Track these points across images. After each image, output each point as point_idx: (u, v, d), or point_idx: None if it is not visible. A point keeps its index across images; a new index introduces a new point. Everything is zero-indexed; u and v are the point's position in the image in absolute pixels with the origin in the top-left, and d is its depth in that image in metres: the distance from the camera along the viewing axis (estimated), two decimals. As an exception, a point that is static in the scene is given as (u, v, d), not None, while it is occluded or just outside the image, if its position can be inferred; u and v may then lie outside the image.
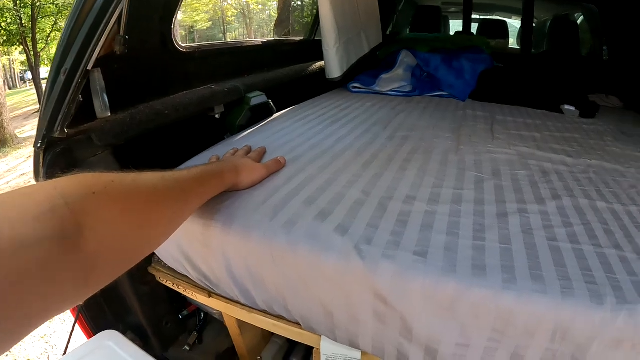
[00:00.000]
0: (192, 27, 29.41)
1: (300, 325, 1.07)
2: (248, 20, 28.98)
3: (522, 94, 2.70)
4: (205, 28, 29.82)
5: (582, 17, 4.54)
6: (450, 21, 5.43)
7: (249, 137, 1.58)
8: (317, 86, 2.58)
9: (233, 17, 30.50)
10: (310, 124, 1.77)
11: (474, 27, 4.80)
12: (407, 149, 1.54)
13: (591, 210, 1.21)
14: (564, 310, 0.83)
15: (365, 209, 1.06)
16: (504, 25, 4.70)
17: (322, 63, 2.66)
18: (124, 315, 1.50)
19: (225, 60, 2.03)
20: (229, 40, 28.81)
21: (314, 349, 1.13)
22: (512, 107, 2.56)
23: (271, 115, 1.93)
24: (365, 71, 2.89)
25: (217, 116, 1.77)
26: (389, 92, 2.62)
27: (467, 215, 1.10)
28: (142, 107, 1.41)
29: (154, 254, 1.31)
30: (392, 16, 4.57)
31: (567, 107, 2.57)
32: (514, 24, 5.15)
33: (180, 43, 1.66)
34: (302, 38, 3.13)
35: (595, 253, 1.00)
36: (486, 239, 0.99)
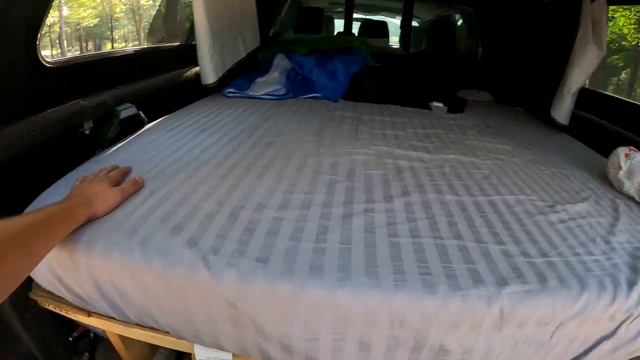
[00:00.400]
0: (78, 24, 27.89)
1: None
2: (137, 17, 27.84)
3: (393, 93, 2.84)
4: (92, 25, 28.41)
5: (461, 18, 4.84)
6: (336, 21, 5.50)
7: (117, 153, 1.52)
8: (194, 93, 2.53)
9: (122, 14, 29.22)
10: (179, 135, 1.73)
11: (356, 27, 4.92)
12: (269, 155, 1.57)
13: (438, 204, 1.32)
14: (397, 301, 0.91)
15: (218, 220, 1.09)
16: (384, 25, 4.87)
17: (198, 68, 2.61)
18: (13, 344, 1.41)
19: (96, 72, 1.91)
20: (116, 37, 27.75)
21: (191, 355, 1.17)
22: (382, 106, 2.68)
23: (142, 127, 1.87)
24: (242, 75, 2.88)
25: (86, 132, 1.67)
26: (263, 96, 2.61)
27: (313, 219, 1.15)
28: (6, 132, 1.32)
29: (31, 278, 1.24)
30: (275, 17, 4.58)
31: (435, 104, 2.74)
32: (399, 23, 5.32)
33: (45, 58, 1.56)
34: (178, 43, 3.05)
35: (434, 245, 1.09)
36: (327, 240, 1.05)
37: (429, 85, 3.02)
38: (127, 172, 1.31)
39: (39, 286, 1.23)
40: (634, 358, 1.21)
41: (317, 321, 0.93)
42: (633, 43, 14.87)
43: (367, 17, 5.39)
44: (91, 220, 1.05)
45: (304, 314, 0.93)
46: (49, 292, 1.21)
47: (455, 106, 2.80)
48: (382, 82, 2.92)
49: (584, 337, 1.05)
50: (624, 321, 1.06)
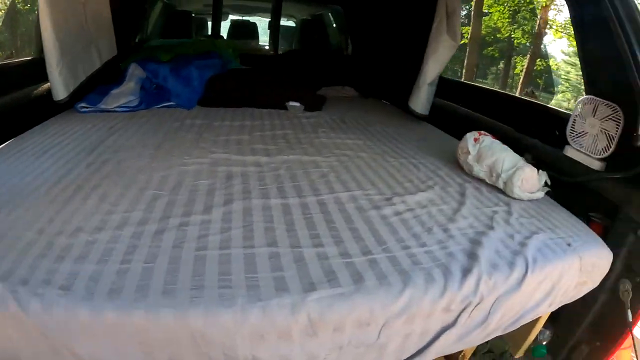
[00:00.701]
0: None
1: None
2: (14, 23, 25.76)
3: (248, 95, 2.83)
4: None
5: (332, 17, 4.96)
6: (210, 24, 5.38)
7: None
8: (46, 110, 2.39)
9: (-2, 19, 26.87)
10: (19, 161, 1.61)
11: (227, 30, 4.87)
12: (101, 174, 1.51)
13: (260, 210, 1.31)
14: (192, 317, 0.89)
15: (34, 249, 1.04)
16: (253, 26, 4.85)
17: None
18: None
19: None
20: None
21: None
22: (238, 110, 2.67)
23: None
24: (99, 87, 2.70)
25: None
26: (116, 109, 2.48)
27: (124, 239, 1.11)
28: None
29: None
30: (142, 23, 4.39)
31: (291, 103, 2.77)
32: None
33: None
34: (29, 58, 2.86)
35: (243, 255, 1.08)
36: (132, 260, 1.02)
37: (286, 85, 3.04)
38: None
39: None
40: (494, 339, 1.31)
41: (123, 344, 0.91)
42: (506, 35, 16.09)
43: (240, 18, 5.36)
44: None
45: (105, 336, 0.90)
46: None
47: (313, 104, 2.86)
48: (237, 86, 2.90)
49: (421, 332, 1.08)
50: (463, 310, 1.10)
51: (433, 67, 2.72)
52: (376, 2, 3.79)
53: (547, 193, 1.74)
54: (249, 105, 2.77)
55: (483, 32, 16.04)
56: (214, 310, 0.90)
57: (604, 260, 1.47)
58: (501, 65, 18.74)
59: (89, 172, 1.53)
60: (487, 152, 1.79)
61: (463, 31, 15.20)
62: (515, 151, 1.86)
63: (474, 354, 1.60)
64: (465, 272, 1.13)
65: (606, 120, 1.69)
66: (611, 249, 1.48)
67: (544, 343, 1.77)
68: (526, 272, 1.21)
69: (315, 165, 1.74)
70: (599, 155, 1.71)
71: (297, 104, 2.78)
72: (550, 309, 1.39)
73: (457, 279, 1.10)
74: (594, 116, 1.74)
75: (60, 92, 2.31)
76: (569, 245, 1.39)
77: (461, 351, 1.43)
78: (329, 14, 4.92)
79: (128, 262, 1.02)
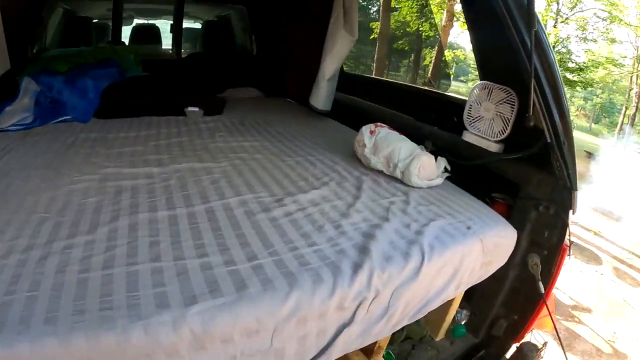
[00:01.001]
0: None
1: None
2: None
3: (146, 103, 2.77)
4: None
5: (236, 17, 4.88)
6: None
7: None
8: None
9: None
10: None
11: (128, 35, 4.72)
12: None
13: (147, 224, 1.29)
14: (74, 344, 0.87)
15: None
16: (155, 30, 4.72)
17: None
18: None
19: None
20: None
21: None
22: (135, 120, 2.60)
23: None
24: None
25: None
26: (9, 128, 2.31)
27: (9, 268, 1.05)
28: None
29: None
30: (40, 32, 4.08)
31: (190, 109, 2.76)
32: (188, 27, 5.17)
33: None
34: None
35: (125, 274, 1.05)
36: (17, 291, 0.97)
37: (185, 90, 3.02)
38: None
39: None
40: (411, 325, 1.40)
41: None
42: (414, 29, 16.69)
43: (143, 22, 5.19)
44: None
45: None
46: None
47: (212, 108, 2.86)
48: (133, 94, 2.81)
49: (317, 332, 1.10)
50: (359, 306, 1.13)
51: (331, 63, 2.78)
52: (278, 2, 3.83)
53: (448, 178, 1.84)
54: (147, 114, 2.70)
55: (393, 26, 16.55)
56: (95, 334, 0.88)
57: (508, 239, 1.59)
58: (412, 57, 19.54)
59: None
60: (383, 143, 1.84)
61: (373, 26, 15.73)
62: (415, 140, 1.93)
63: (391, 342, 1.66)
64: (356, 268, 1.15)
65: (501, 103, 1.79)
66: (516, 227, 1.61)
67: (463, 322, 1.89)
68: (423, 261, 1.26)
69: (208, 171, 1.75)
70: (496, 137, 1.82)
71: (196, 109, 2.77)
72: (459, 291, 1.48)
73: (347, 276, 1.12)
74: (489, 101, 1.84)
75: None
76: (468, 228, 1.46)
77: (374, 343, 1.46)
78: (235, 14, 4.84)
79: (12, 292, 0.97)
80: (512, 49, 1.50)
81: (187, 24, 5.20)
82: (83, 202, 1.42)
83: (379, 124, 1.97)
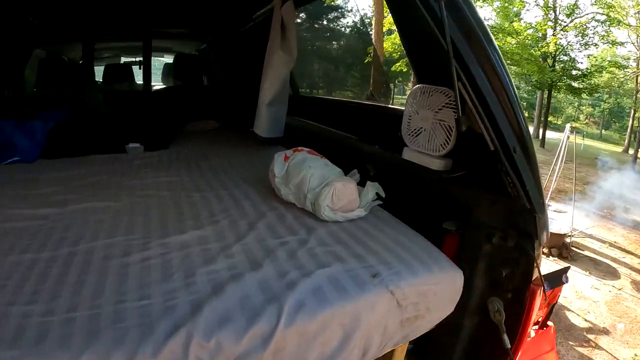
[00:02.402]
0: None
1: None
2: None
3: (88, 142, 2.82)
4: None
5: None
6: (97, 68, 5.19)
7: None
8: None
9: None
10: None
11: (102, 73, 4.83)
12: None
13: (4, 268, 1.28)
14: None
15: None
16: (127, 68, 4.80)
17: None
18: None
19: None
20: None
21: None
22: (77, 159, 2.63)
23: None
24: None
25: None
26: None
27: None
28: None
29: None
30: (15, 74, 4.14)
31: (131, 145, 2.80)
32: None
33: None
34: None
35: None
36: None
37: (129, 126, 3.07)
38: None
39: None
40: None
41: None
42: None
43: (114, 63, 5.29)
44: None
45: None
46: None
47: (155, 143, 2.89)
48: (77, 133, 2.88)
49: None
50: None
51: (269, 86, 2.67)
52: (236, 35, 3.89)
53: (387, 208, 1.60)
54: (91, 152, 2.75)
55: (390, 49, 16.42)
56: None
57: (447, 284, 1.28)
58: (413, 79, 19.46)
59: None
60: (294, 170, 1.66)
61: (368, 50, 15.65)
62: (357, 163, 1.76)
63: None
64: (173, 330, 0.98)
65: (441, 109, 1.47)
66: (465, 264, 1.32)
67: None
68: (277, 325, 1.04)
69: (103, 211, 1.72)
70: (438, 152, 1.50)
71: (137, 145, 2.81)
72: (370, 356, 1.19)
73: (157, 341, 0.96)
74: (427, 107, 1.52)
75: None
76: (374, 276, 1.19)
77: None
78: (208, 48, 4.97)
79: None
80: (432, 34, 1.22)
81: (169, 59, 5.33)
82: None
83: (299, 148, 1.81)
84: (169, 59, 5.31)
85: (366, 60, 15.63)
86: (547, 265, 4.79)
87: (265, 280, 1.18)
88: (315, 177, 1.61)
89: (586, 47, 18.10)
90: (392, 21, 15.51)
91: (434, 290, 1.25)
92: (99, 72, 4.87)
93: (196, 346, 0.97)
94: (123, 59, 5.50)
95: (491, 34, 1.24)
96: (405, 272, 1.23)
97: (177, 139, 3.21)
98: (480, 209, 1.33)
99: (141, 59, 4.38)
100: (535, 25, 18.03)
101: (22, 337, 0.97)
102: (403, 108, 1.73)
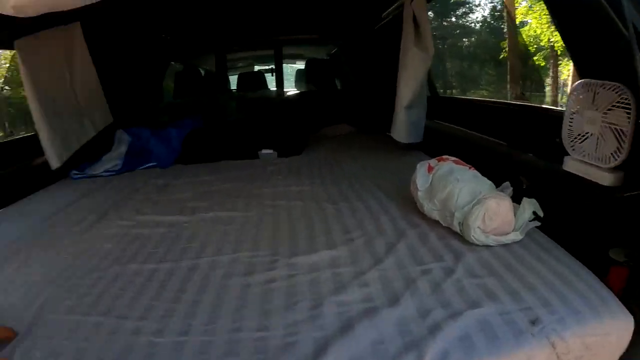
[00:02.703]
0: None
1: None
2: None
3: (221, 148, 2.84)
4: None
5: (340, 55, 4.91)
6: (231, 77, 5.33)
7: None
8: (47, 177, 2.55)
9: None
10: None
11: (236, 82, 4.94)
12: (35, 243, 1.58)
13: (124, 276, 1.27)
14: None
15: None
16: (260, 76, 4.88)
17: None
18: None
19: None
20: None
21: None
22: (211, 165, 2.67)
23: None
24: (98, 153, 2.88)
25: None
26: (102, 174, 2.63)
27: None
28: None
29: None
30: (154, 86, 4.51)
31: (264, 151, 2.75)
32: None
33: None
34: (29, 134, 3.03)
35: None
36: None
37: (262, 132, 3.01)
38: None
39: None
40: None
41: None
42: (545, 41, 15.06)
43: (246, 71, 5.40)
44: None
45: None
46: None
47: (288, 149, 2.80)
48: (211, 140, 2.93)
49: None
50: None
51: (406, 87, 2.44)
52: (366, 36, 3.73)
53: (543, 229, 1.33)
54: (224, 158, 2.77)
55: (526, 41, 15.08)
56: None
57: (616, 332, 0.99)
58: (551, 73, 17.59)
59: (29, 239, 1.62)
60: (439, 184, 1.42)
61: (502, 45, 14.60)
62: (508, 175, 1.50)
63: None
64: None
65: (611, 110, 1.15)
66: (638, 303, 1.02)
67: None
68: None
69: (229, 222, 1.63)
70: (608, 162, 1.16)
71: (270, 152, 2.75)
72: None
73: None
74: (595, 108, 1.20)
75: (54, 161, 2.50)
76: (533, 323, 0.93)
77: None
78: (340, 52, 4.86)
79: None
80: (605, 19, 1.03)
81: (301, 65, 5.34)
82: (99, 248, 1.48)
83: (444, 157, 1.56)
84: (300, 65, 5.29)
85: (501, 56, 14.53)
86: None
87: (404, 319, 0.96)
88: (464, 192, 1.35)
89: None
90: (525, 12, 14.53)
91: (602, 343, 0.96)
92: (232, 81, 5.00)
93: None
94: (257, 67, 5.58)
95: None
96: (570, 318, 0.95)
97: (311, 144, 3.12)
98: None
99: (273, 66, 4.41)
100: None
101: (128, 358, 0.91)
102: (561, 109, 1.45)
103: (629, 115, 1.06)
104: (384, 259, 1.24)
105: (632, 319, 0.98)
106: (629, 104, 1.05)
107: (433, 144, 2.51)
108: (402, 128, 2.54)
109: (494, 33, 16.43)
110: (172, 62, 4.66)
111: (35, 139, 2.53)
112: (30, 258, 1.42)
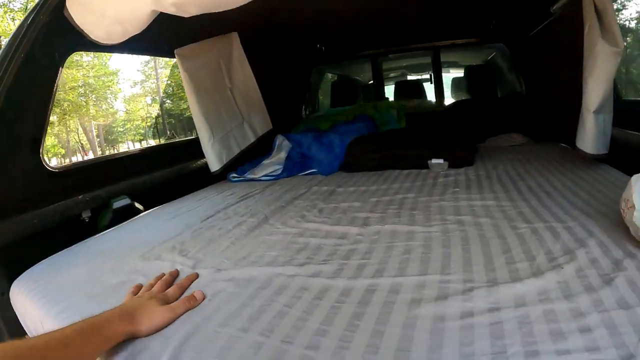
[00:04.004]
0: (180, 115, 30.64)
1: None
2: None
3: (385, 157, 2.67)
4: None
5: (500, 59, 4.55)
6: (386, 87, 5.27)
7: (107, 234, 1.85)
8: (208, 179, 2.71)
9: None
10: (155, 221, 1.99)
11: (392, 91, 4.84)
12: (196, 240, 1.62)
13: (290, 290, 1.11)
14: None
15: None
16: (418, 84, 4.70)
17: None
18: None
19: (94, 173, 2.18)
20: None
21: None
22: (376, 174, 2.54)
23: (136, 215, 2.14)
24: (255, 158, 2.98)
25: (86, 220, 2.00)
26: (261, 178, 2.66)
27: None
28: (14, 220, 1.66)
29: None
30: (307, 95, 4.66)
31: (434, 161, 2.49)
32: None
33: (48, 164, 1.88)
34: (190, 138, 3.16)
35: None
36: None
37: (430, 142, 2.76)
38: (188, 284, 1.19)
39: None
40: None
41: None
42: None
43: (403, 79, 5.29)
44: (133, 337, 0.94)
45: None
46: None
47: (459, 160, 2.52)
48: (374, 148, 2.73)
49: None
50: None
51: (595, 89, 2.00)
52: (537, 33, 3.28)
53: None
54: (389, 167, 2.62)
55: None
56: None
57: None
58: None
59: (191, 236, 1.66)
60: None
61: None
62: None
63: None
64: None
65: None
66: None
67: None
68: None
69: (408, 237, 1.40)
70: None
71: (441, 161, 2.47)
72: None
73: None
74: None
75: (214, 165, 2.66)
76: None
77: None
78: (499, 55, 4.48)
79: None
80: None
81: (456, 72, 5.11)
82: (263, 254, 1.38)
83: None
84: (455, 73, 5.10)
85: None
86: None
87: None
88: None
89: None
90: None
91: None
92: (389, 91, 4.97)
93: None
94: (411, 77, 5.52)
95: None
96: None
97: (480, 154, 2.82)
98: None
99: (428, 75, 4.37)
100: None
101: None
102: None
103: None
104: (601, 295, 0.91)
105: None
106: None
107: (621, 157, 2.07)
108: (591, 137, 2.08)
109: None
110: (327, 73, 4.72)
111: (196, 143, 2.62)
112: (184, 257, 1.44)
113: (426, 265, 1.16)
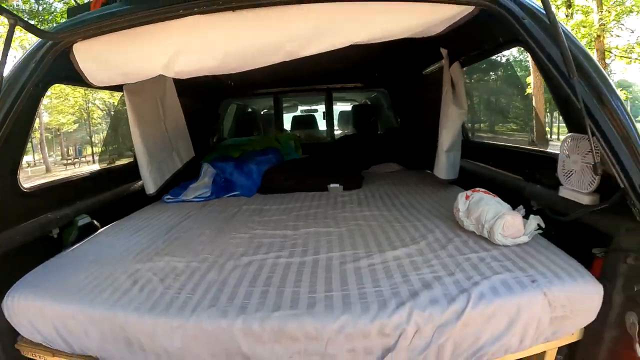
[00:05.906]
0: (58, 129, 30.11)
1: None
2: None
3: (296, 182, 3.45)
4: (72, 130, 31.47)
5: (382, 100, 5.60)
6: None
7: (75, 250, 2.20)
8: (142, 200, 3.16)
9: (100, 119, 31.57)
10: (118, 235, 2.40)
11: (290, 122, 5.67)
12: (172, 246, 2.18)
13: (269, 265, 1.85)
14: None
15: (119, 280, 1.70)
16: (312, 118, 5.58)
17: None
18: None
19: (64, 191, 2.53)
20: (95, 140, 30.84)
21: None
22: (287, 195, 3.28)
23: (95, 232, 2.50)
24: (182, 182, 3.55)
25: (55, 236, 2.29)
26: (193, 199, 3.24)
27: (179, 279, 1.69)
28: None
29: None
30: (217, 125, 5.35)
31: (332, 185, 3.35)
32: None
33: (22, 185, 2.12)
34: (129, 161, 3.53)
35: (245, 291, 1.60)
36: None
37: (328, 169, 3.63)
38: None
39: (22, 338, 1.73)
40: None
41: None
42: None
43: (300, 114, 6.17)
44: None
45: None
46: (30, 342, 1.72)
47: (351, 184, 3.41)
48: (286, 175, 3.53)
49: (364, 349, 1.44)
50: (400, 335, 1.41)
51: (446, 136, 3.00)
52: (411, 83, 4.32)
53: (548, 237, 1.91)
54: (297, 190, 3.39)
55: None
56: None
57: (588, 294, 1.54)
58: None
59: (164, 244, 2.21)
60: (474, 207, 2.06)
61: (527, 81, 15.09)
62: (522, 199, 2.14)
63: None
64: (400, 305, 1.45)
65: (587, 154, 1.76)
66: (608, 281, 1.55)
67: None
68: (466, 306, 1.44)
69: (327, 234, 2.22)
70: (586, 189, 1.79)
71: (337, 185, 3.34)
72: (526, 345, 1.51)
73: (390, 310, 1.43)
74: (577, 153, 1.84)
75: (151, 188, 3.17)
76: (533, 282, 1.52)
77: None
78: (381, 96, 5.54)
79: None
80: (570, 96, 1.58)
81: (342, 106, 6.06)
82: (234, 251, 2.06)
83: (477, 189, 2.19)
84: (342, 106, 6.11)
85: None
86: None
87: (457, 280, 1.59)
88: (490, 211, 1.96)
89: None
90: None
91: (579, 298, 1.54)
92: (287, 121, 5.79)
93: (415, 315, 1.42)
94: (300, 108, 6.49)
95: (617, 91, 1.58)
96: (556, 280, 1.54)
97: (365, 180, 3.70)
98: (618, 236, 1.58)
99: (317, 108, 5.36)
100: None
101: (297, 304, 1.52)
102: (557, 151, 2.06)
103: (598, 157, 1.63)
104: (440, 253, 1.86)
105: (601, 286, 1.55)
106: (597, 150, 1.59)
107: (466, 179, 3.11)
108: (443, 168, 3.12)
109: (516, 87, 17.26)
110: (232, 104, 5.33)
111: (130, 167, 3.13)
112: (175, 257, 2.00)
113: (343, 247, 2.03)
